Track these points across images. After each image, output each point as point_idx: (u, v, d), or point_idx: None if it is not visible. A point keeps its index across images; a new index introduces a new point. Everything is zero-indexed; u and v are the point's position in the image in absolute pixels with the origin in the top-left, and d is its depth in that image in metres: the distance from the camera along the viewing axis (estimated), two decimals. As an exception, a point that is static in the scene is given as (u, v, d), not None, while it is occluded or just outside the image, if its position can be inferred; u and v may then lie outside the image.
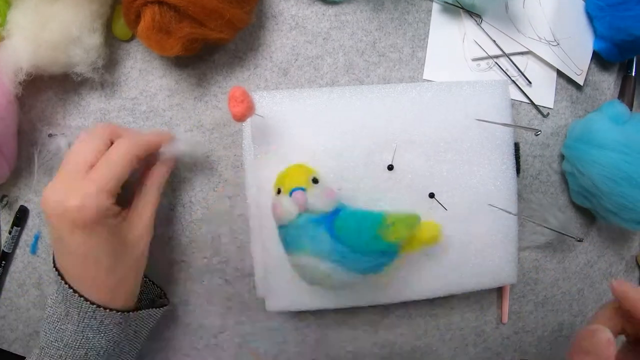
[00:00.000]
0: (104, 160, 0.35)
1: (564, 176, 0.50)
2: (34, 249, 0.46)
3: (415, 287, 0.43)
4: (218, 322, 0.47)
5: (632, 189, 0.42)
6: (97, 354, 0.35)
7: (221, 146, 0.46)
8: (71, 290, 0.34)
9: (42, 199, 0.33)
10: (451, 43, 0.48)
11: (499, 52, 0.47)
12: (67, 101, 0.45)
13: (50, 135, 0.44)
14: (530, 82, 0.48)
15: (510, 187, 0.43)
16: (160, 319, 0.43)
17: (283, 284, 0.41)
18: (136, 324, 0.39)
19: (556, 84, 0.49)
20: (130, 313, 0.37)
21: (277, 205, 0.35)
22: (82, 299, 0.34)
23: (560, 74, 0.49)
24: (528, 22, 0.48)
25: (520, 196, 0.45)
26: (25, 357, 0.47)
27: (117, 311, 0.36)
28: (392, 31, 0.47)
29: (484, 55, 0.47)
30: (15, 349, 0.47)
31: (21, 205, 0.46)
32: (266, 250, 0.41)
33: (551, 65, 0.48)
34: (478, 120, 0.42)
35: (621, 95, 0.50)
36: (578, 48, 0.49)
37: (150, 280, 0.44)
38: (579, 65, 0.49)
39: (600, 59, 0.50)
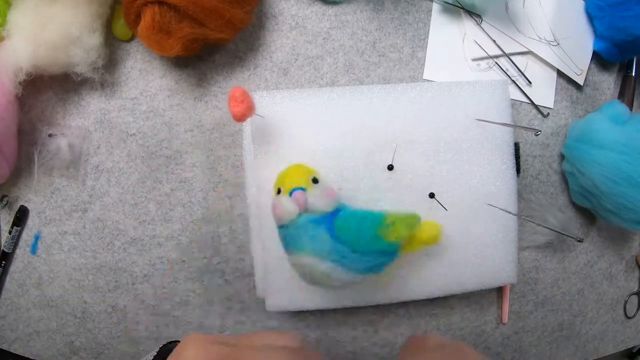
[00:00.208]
0: None
1: (564, 176, 0.50)
2: (34, 249, 0.46)
3: (415, 287, 0.43)
4: (218, 322, 0.47)
5: (632, 189, 0.42)
6: None
7: (221, 146, 0.46)
8: None
9: None
10: (451, 43, 0.48)
11: (499, 52, 0.47)
12: (67, 101, 0.45)
13: (50, 135, 0.44)
14: (530, 82, 0.48)
15: (510, 187, 0.43)
16: (160, 319, 0.43)
17: (283, 284, 0.41)
18: None
19: (556, 84, 0.49)
20: None
21: (277, 205, 0.35)
22: None
23: (560, 74, 0.49)
24: (528, 22, 0.48)
25: (520, 196, 0.45)
26: (25, 357, 0.47)
27: None
28: (392, 31, 0.47)
29: (484, 55, 0.47)
30: (15, 349, 0.47)
31: (21, 205, 0.46)
32: (266, 250, 0.41)
33: (551, 65, 0.48)
34: (478, 120, 0.42)
35: (621, 95, 0.50)
36: (578, 48, 0.49)
37: None
38: (579, 65, 0.49)
39: (600, 59, 0.50)
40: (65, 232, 0.46)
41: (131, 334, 0.47)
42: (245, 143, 0.42)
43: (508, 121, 0.43)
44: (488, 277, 0.44)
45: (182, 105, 0.46)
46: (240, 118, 0.35)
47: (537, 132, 0.39)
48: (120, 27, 0.43)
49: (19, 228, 0.46)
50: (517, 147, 0.44)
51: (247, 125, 0.42)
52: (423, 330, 0.49)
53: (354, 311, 0.47)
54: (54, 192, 0.46)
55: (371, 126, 0.41)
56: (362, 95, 0.42)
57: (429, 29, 0.47)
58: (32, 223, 0.46)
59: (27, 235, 0.46)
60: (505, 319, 0.49)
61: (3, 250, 0.46)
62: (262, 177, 0.40)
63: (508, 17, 0.47)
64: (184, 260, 0.46)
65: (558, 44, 0.48)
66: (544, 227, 0.46)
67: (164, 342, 0.33)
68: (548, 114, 0.49)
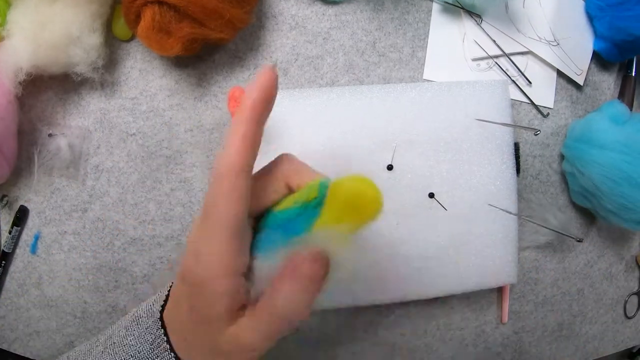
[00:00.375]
0: None
1: (564, 176, 0.50)
2: (34, 249, 0.46)
3: (415, 287, 0.43)
4: (218, 322, 0.47)
5: (632, 189, 0.42)
6: None
7: (221, 146, 0.46)
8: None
9: None
10: (451, 43, 0.48)
11: (499, 52, 0.47)
12: (67, 101, 0.45)
13: (50, 135, 0.44)
14: (530, 82, 0.48)
15: (510, 187, 0.43)
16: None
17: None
18: None
19: (556, 84, 0.49)
20: None
21: None
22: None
23: (560, 74, 0.49)
24: (528, 22, 0.48)
25: (520, 196, 0.45)
26: (25, 357, 0.47)
27: None
28: (392, 31, 0.47)
29: (484, 55, 0.47)
30: (15, 348, 0.47)
31: (21, 205, 0.46)
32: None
33: (551, 65, 0.48)
34: (478, 120, 0.42)
35: (621, 95, 0.50)
36: (578, 48, 0.49)
37: None
38: (579, 65, 0.49)
39: (600, 59, 0.50)
40: (65, 232, 0.46)
41: (131, 334, 0.47)
42: (245, 143, 0.42)
43: (508, 121, 0.43)
44: (488, 277, 0.44)
45: (182, 105, 0.46)
46: (240, 118, 0.35)
47: (536, 132, 0.39)
48: (120, 27, 0.43)
49: (19, 228, 0.46)
50: (517, 147, 0.44)
51: (247, 125, 0.42)
52: (423, 330, 0.49)
53: (354, 311, 0.47)
54: (54, 192, 0.46)
55: (371, 126, 0.41)
56: (362, 95, 0.42)
57: (429, 29, 0.47)
58: (32, 223, 0.46)
59: (27, 235, 0.46)
60: (505, 319, 0.49)
61: (3, 250, 0.46)
62: (262, 177, 0.40)
63: (508, 17, 0.47)
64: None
65: (558, 44, 0.48)
66: (543, 227, 0.46)
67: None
68: (548, 114, 0.49)
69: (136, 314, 0.30)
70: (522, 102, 0.49)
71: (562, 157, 0.49)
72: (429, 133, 0.42)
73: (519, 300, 0.50)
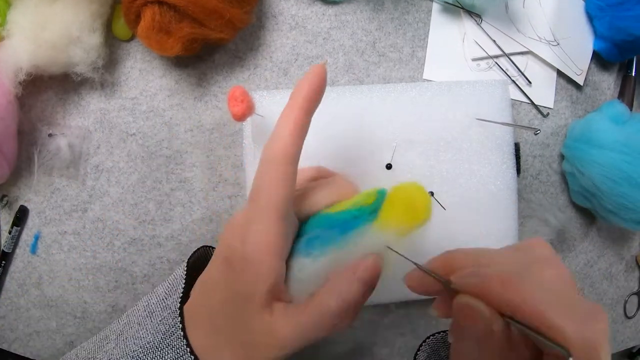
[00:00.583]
0: None
1: (564, 176, 0.50)
2: (33, 249, 0.46)
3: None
4: (218, 322, 0.47)
5: (632, 189, 0.42)
6: None
7: (221, 146, 0.46)
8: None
9: None
10: (451, 43, 0.48)
11: (499, 52, 0.47)
12: (67, 101, 0.45)
13: (50, 135, 0.44)
14: (530, 82, 0.48)
15: (511, 187, 0.43)
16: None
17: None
18: None
19: (556, 84, 0.49)
20: None
21: None
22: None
23: (560, 74, 0.49)
24: (528, 22, 0.48)
25: (520, 196, 0.45)
26: (25, 357, 0.47)
27: None
28: (392, 31, 0.47)
29: (484, 55, 0.47)
30: (15, 348, 0.47)
31: (21, 205, 0.46)
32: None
33: (551, 65, 0.48)
34: (478, 119, 0.42)
35: (621, 95, 0.50)
36: (578, 48, 0.49)
37: None
38: (579, 65, 0.49)
39: (600, 59, 0.50)
40: (65, 232, 0.46)
41: (131, 334, 0.47)
42: (245, 143, 0.42)
43: (508, 121, 0.43)
44: (488, 277, 0.44)
45: (182, 105, 0.46)
46: (240, 118, 0.35)
47: (536, 131, 0.39)
48: (120, 27, 0.43)
49: (19, 228, 0.46)
50: (517, 147, 0.44)
51: (247, 125, 0.42)
52: (423, 330, 0.49)
53: (354, 311, 0.47)
54: (54, 192, 0.46)
55: (371, 126, 0.41)
56: (362, 95, 0.42)
57: (429, 29, 0.47)
58: (32, 223, 0.46)
59: (27, 235, 0.46)
60: (505, 319, 0.49)
61: (3, 250, 0.46)
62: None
63: (508, 17, 0.47)
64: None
65: (558, 44, 0.48)
66: (544, 226, 0.46)
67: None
68: (548, 113, 0.49)
69: (149, 309, 0.30)
70: (522, 102, 0.49)
71: (562, 157, 0.49)
72: (428, 133, 0.42)
73: (519, 300, 0.50)
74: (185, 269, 0.31)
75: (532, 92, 0.48)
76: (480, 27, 0.47)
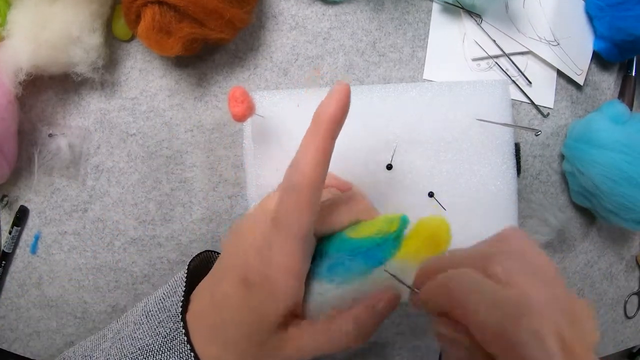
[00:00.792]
0: None
1: (564, 176, 0.50)
2: (34, 249, 0.46)
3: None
4: (218, 322, 0.47)
5: (632, 189, 0.42)
6: None
7: (221, 146, 0.46)
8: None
9: None
10: (451, 43, 0.48)
11: (499, 52, 0.47)
12: (67, 101, 0.45)
13: (50, 135, 0.44)
14: (530, 82, 0.48)
15: (511, 187, 0.43)
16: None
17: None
18: None
19: (556, 84, 0.49)
20: None
21: None
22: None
23: (560, 74, 0.49)
24: (528, 22, 0.48)
25: (520, 196, 0.45)
26: (25, 357, 0.47)
27: None
28: (392, 31, 0.47)
29: (484, 55, 0.47)
30: (15, 349, 0.47)
31: (21, 205, 0.46)
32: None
33: (551, 65, 0.48)
34: (478, 120, 0.42)
35: (621, 95, 0.50)
36: (578, 48, 0.49)
37: None
38: (579, 65, 0.49)
39: (600, 59, 0.50)
40: (65, 232, 0.46)
41: (131, 334, 0.47)
42: (246, 143, 0.42)
43: (508, 121, 0.43)
44: (488, 277, 0.44)
45: (182, 105, 0.46)
46: (240, 118, 0.35)
47: (537, 132, 0.39)
48: (120, 27, 0.43)
49: (19, 228, 0.46)
50: (517, 147, 0.44)
51: (247, 125, 0.42)
52: (423, 330, 0.49)
53: (354, 311, 0.47)
54: (54, 192, 0.46)
55: (371, 126, 0.41)
56: (362, 95, 0.42)
57: (429, 29, 0.47)
58: (32, 223, 0.46)
59: (27, 235, 0.46)
60: (505, 319, 0.49)
61: (3, 250, 0.46)
62: (262, 177, 0.40)
63: (508, 17, 0.47)
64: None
65: (558, 44, 0.48)
66: (543, 226, 0.46)
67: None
68: (548, 114, 0.49)
69: (146, 309, 0.30)
70: (522, 102, 0.49)
71: (562, 157, 0.49)
72: (429, 133, 0.42)
73: (519, 300, 0.50)
74: (186, 272, 0.32)
75: (532, 92, 0.48)
76: (480, 27, 0.47)
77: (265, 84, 0.46)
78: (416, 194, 0.42)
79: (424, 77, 0.47)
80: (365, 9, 0.47)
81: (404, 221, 0.29)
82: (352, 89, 0.42)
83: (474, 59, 0.48)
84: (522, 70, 0.48)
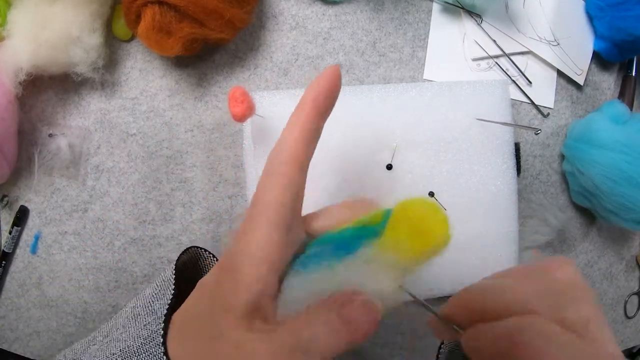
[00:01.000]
0: None
1: (564, 176, 0.50)
2: (34, 249, 0.46)
3: (416, 287, 0.43)
4: (218, 322, 0.47)
5: (632, 189, 0.42)
6: None
7: (221, 146, 0.46)
8: None
9: None
10: (451, 43, 0.48)
11: (499, 52, 0.47)
12: (67, 101, 0.45)
13: (50, 135, 0.44)
14: (530, 82, 0.48)
15: (511, 187, 0.43)
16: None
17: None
18: None
19: (556, 84, 0.49)
20: None
21: None
22: None
23: (560, 74, 0.49)
24: (528, 22, 0.48)
25: (520, 196, 0.45)
26: (25, 357, 0.47)
27: None
28: (392, 31, 0.47)
29: (484, 55, 0.47)
30: (15, 349, 0.47)
31: (21, 205, 0.46)
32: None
33: (551, 65, 0.48)
34: (478, 119, 0.42)
35: (621, 95, 0.50)
36: (578, 48, 0.49)
37: None
38: (579, 65, 0.49)
39: (600, 59, 0.50)
40: (66, 232, 0.46)
41: (131, 334, 0.47)
42: (245, 143, 0.42)
43: (508, 121, 0.43)
44: (488, 277, 0.44)
45: (182, 105, 0.46)
46: (241, 118, 0.35)
47: (537, 131, 0.39)
48: (120, 27, 0.43)
49: (19, 228, 0.46)
50: (517, 147, 0.44)
51: (247, 125, 0.42)
52: (423, 330, 0.49)
53: (354, 311, 0.47)
54: (54, 192, 0.46)
55: (371, 126, 0.41)
56: (362, 95, 0.42)
57: (429, 29, 0.47)
58: (32, 223, 0.46)
59: (27, 235, 0.46)
60: (506, 319, 0.49)
61: (3, 250, 0.46)
62: (262, 177, 0.40)
63: (508, 17, 0.47)
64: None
65: (558, 44, 0.48)
66: (544, 226, 0.46)
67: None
68: (548, 114, 0.49)
69: (134, 312, 0.29)
70: (522, 102, 0.49)
71: (562, 157, 0.49)
72: (429, 133, 0.42)
73: (519, 300, 0.50)
74: (174, 271, 0.30)
75: (532, 92, 0.48)
76: (481, 27, 0.47)
77: (265, 84, 0.46)
78: (416, 193, 0.42)
79: (424, 77, 0.47)
80: (365, 9, 0.47)
81: (386, 214, 0.25)
82: (352, 89, 0.42)
83: (474, 59, 0.48)
84: (522, 70, 0.48)
